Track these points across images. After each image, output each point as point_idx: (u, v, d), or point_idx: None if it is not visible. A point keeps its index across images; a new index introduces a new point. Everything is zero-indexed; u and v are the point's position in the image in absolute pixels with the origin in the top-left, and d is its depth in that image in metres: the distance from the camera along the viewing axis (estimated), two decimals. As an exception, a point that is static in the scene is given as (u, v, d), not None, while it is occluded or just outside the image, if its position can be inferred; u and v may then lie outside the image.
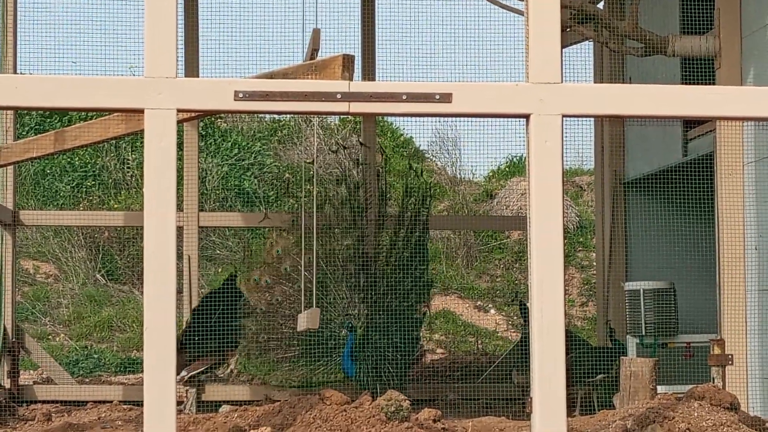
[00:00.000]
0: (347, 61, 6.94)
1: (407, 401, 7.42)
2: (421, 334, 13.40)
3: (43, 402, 12.56)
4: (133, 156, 19.99)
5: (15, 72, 12.77)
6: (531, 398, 5.82)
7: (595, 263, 16.09)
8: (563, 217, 5.80)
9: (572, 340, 12.48)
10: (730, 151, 9.74)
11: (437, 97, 5.74)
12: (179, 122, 6.00)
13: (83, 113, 12.84)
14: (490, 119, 13.19)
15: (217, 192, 19.87)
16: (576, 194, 21.53)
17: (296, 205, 12.74)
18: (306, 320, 10.48)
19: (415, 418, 7.51)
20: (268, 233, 13.37)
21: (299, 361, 12.37)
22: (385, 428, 7.18)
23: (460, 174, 21.94)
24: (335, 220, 12.50)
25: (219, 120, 20.93)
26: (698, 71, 10.88)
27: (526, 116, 5.75)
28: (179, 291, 12.04)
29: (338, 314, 12.36)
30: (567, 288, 19.11)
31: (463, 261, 20.03)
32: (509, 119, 11.98)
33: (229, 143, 20.73)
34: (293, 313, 12.27)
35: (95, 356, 16.59)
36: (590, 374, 11.94)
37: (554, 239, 5.76)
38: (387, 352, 12.31)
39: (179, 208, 12.74)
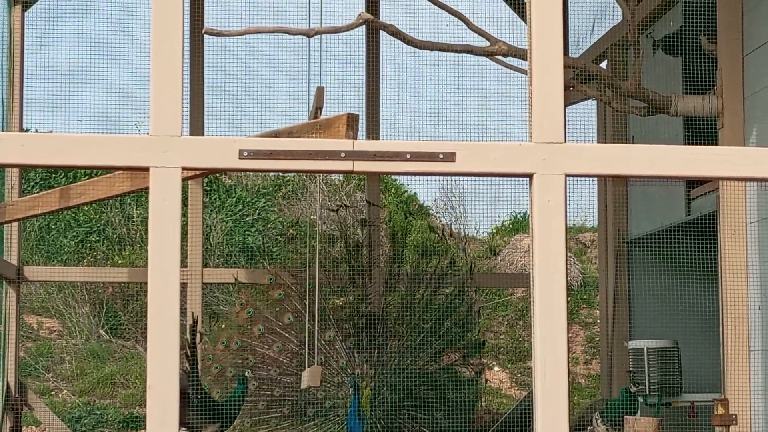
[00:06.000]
0: (351, 119, 6.97)
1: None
2: (475, 400, 12.97)
3: (46, 459, 12.53)
4: (138, 212, 20.03)
5: (21, 128, 12.84)
6: (534, 458, 5.79)
7: (599, 320, 16.07)
8: (567, 275, 5.81)
9: None
10: (733, 210, 9.76)
11: (441, 156, 5.77)
12: (184, 179, 6.03)
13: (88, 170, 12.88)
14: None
15: (221, 248, 19.87)
16: (580, 251, 21.53)
17: (300, 262, 12.66)
18: (307, 378, 10.42)
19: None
20: (241, 293, 13.17)
21: (285, 423, 12.19)
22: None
23: (464, 231, 21.95)
24: (330, 279, 12.34)
25: (224, 176, 20.98)
26: (701, 130, 10.92)
27: (530, 176, 5.76)
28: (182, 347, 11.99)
29: (333, 374, 12.23)
30: (571, 345, 19.06)
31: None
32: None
33: (234, 199, 20.77)
34: (273, 375, 12.14)
35: (98, 412, 16.55)
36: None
37: (557, 297, 5.76)
38: (414, 413, 12.12)
39: (183, 264, 12.74)
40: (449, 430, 12.16)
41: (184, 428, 11.85)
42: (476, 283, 13.35)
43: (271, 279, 12.53)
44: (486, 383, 13.22)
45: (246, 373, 11.72)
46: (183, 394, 11.54)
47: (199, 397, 11.65)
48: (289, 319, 12.19)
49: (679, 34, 11.87)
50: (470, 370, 12.66)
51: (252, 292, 12.93)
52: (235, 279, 13.40)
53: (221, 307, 17.94)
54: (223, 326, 12.83)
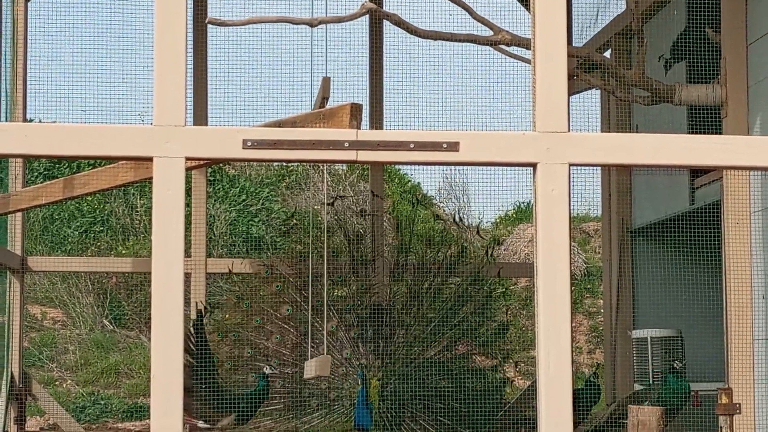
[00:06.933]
0: (355, 109, 6.96)
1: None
2: (501, 391, 12.79)
3: (50, 448, 12.56)
4: (141, 201, 20.04)
5: (25, 119, 12.84)
6: (538, 447, 5.79)
7: (602, 310, 16.07)
8: (570, 264, 5.80)
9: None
10: (737, 199, 9.75)
11: (444, 145, 5.76)
12: (188, 169, 6.03)
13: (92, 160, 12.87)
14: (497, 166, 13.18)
15: (225, 238, 19.88)
16: (584, 241, 21.53)
17: (304, 252, 12.62)
18: (316, 367, 10.36)
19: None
20: (236, 285, 13.09)
21: (288, 414, 12.13)
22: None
23: (468, 220, 21.95)
24: (330, 271, 12.24)
25: (227, 166, 20.99)
26: (705, 120, 10.91)
27: (533, 165, 5.75)
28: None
29: (337, 365, 12.18)
30: (575, 335, 19.06)
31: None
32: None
33: (237, 189, 20.78)
34: (274, 366, 12.08)
35: (102, 402, 16.57)
36: None
37: (561, 287, 5.76)
38: (427, 402, 12.06)
39: (187, 254, 12.72)
40: (470, 419, 12.11)
41: (201, 421, 11.84)
42: (490, 273, 13.22)
43: (267, 271, 12.46)
44: (506, 382, 13.12)
45: (266, 369, 11.69)
46: (187, 389, 11.52)
47: (205, 386, 11.64)
48: (288, 310, 12.16)
49: (683, 33, 11.85)
50: (491, 359, 12.59)
51: (253, 283, 12.87)
52: (230, 270, 13.37)
53: (225, 297, 17.95)
54: (226, 316, 12.77)
